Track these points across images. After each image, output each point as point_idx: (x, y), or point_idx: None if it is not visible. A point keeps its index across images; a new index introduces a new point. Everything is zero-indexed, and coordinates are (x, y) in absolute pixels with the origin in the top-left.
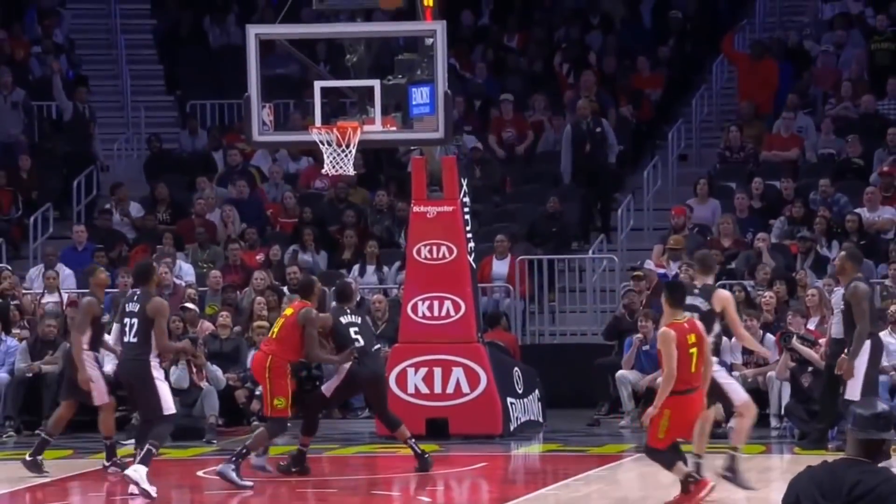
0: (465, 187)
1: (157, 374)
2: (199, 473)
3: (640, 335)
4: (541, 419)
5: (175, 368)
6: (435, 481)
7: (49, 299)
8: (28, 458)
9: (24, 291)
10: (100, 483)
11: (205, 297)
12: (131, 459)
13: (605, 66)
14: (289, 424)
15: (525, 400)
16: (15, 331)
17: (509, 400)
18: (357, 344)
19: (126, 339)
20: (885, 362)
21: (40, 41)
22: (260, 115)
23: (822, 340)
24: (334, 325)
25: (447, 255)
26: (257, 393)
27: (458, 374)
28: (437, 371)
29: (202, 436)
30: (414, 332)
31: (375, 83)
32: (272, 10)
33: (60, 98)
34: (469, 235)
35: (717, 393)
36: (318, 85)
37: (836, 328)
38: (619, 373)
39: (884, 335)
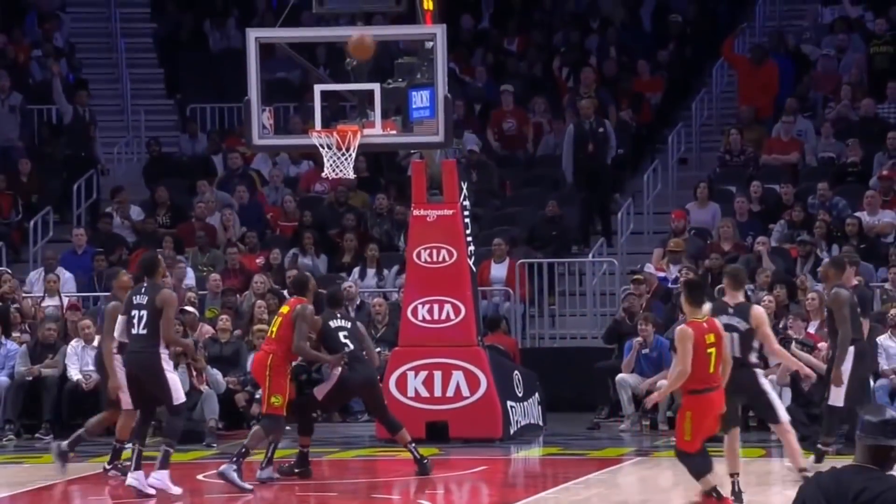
0: (465, 191)
1: (167, 365)
2: (200, 477)
3: (640, 339)
4: (541, 423)
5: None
6: (435, 485)
7: (49, 303)
8: (64, 445)
9: (24, 295)
10: (100, 486)
11: (205, 300)
12: (129, 463)
13: (605, 69)
14: (287, 427)
15: (525, 403)
16: (15, 334)
17: (509, 403)
18: (346, 349)
19: (134, 332)
20: (884, 365)
21: (41, 45)
22: (260, 119)
23: (821, 345)
24: (323, 329)
25: (447, 258)
26: (257, 396)
27: (458, 377)
28: (437, 374)
29: (202, 439)
30: (414, 335)
31: (375, 87)
32: (272, 14)
33: (60, 101)
34: (469, 239)
35: (761, 406)
36: (318, 88)
37: None
38: (619, 376)
39: (884, 338)
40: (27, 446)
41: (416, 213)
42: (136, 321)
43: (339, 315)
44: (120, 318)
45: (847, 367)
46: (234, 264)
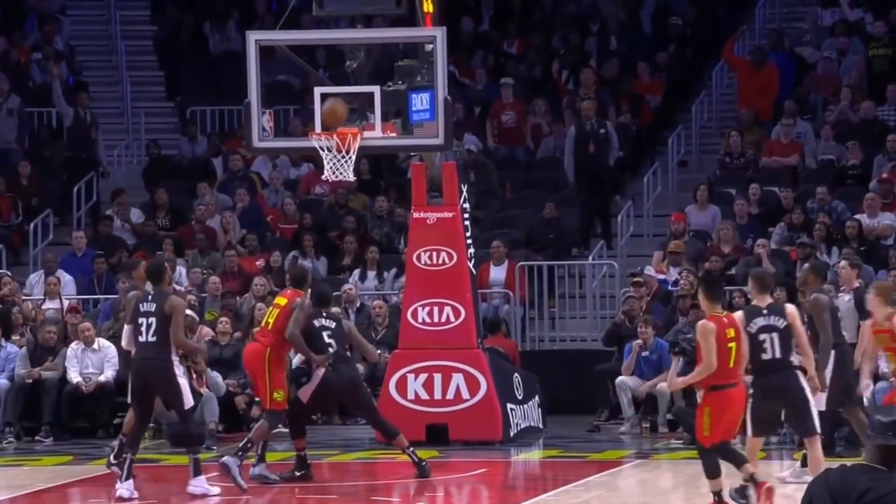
0: (465, 193)
1: (178, 370)
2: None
3: (639, 341)
4: (541, 425)
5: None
6: (435, 487)
7: (49, 305)
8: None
9: (24, 297)
10: (100, 489)
11: (204, 303)
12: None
13: (605, 71)
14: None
15: (525, 406)
16: (15, 337)
17: (509, 406)
18: (330, 349)
19: (143, 339)
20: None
21: (41, 48)
22: (260, 122)
23: None
24: (308, 327)
25: (447, 261)
26: (257, 399)
27: (458, 380)
28: (437, 377)
29: (202, 442)
30: (414, 338)
31: (375, 89)
32: (272, 17)
33: (60, 104)
34: (469, 241)
35: (801, 413)
36: (318, 91)
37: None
38: (619, 379)
39: None
40: (27, 449)
41: (416, 215)
42: (144, 329)
43: (325, 314)
44: (126, 328)
45: (828, 371)
46: (231, 267)
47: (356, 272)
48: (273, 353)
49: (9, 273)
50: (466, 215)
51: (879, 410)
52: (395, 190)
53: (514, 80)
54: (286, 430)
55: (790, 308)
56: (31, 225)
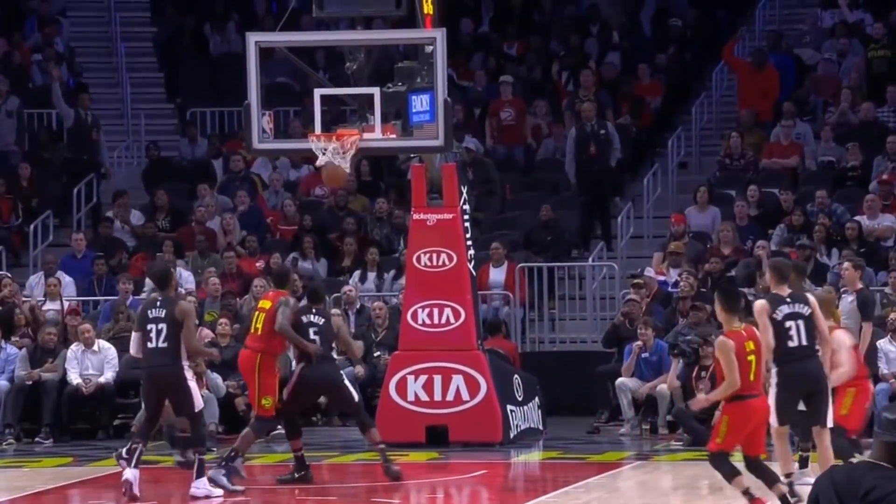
0: (465, 195)
1: (188, 374)
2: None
3: (639, 343)
4: (541, 427)
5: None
6: (435, 489)
7: (49, 307)
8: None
9: (24, 299)
10: (99, 491)
11: (204, 304)
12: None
13: (605, 73)
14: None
15: (525, 407)
16: (14, 338)
17: (509, 407)
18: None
19: (152, 346)
20: (884, 369)
21: (41, 49)
22: (260, 123)
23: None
24: (295, 322)
25: (447, 262)
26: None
27: (457, 381)
28: (437, 378)
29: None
30: (414, 339)
31: (375, 91)
32: (272, 18)
33: (60, 106)
34: (469, 243)
35: (819, 402)
36: (317, 93)
37: None
38: (619, 380)
39: (884, 342)
40: (27, 450)
41: (415, 216)
42: (153, 335)
43: (314, 311)
44: (134, 335)
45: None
46: (229, 269)
47: (356, 274)
48: (263, 359)
49: (9, 275)
50: (466, 217)
51: (888, 408)
52: (394, 191)
53: (514, 81)
54: (283, 432)
55: (811, 297)
56: (31, 226)
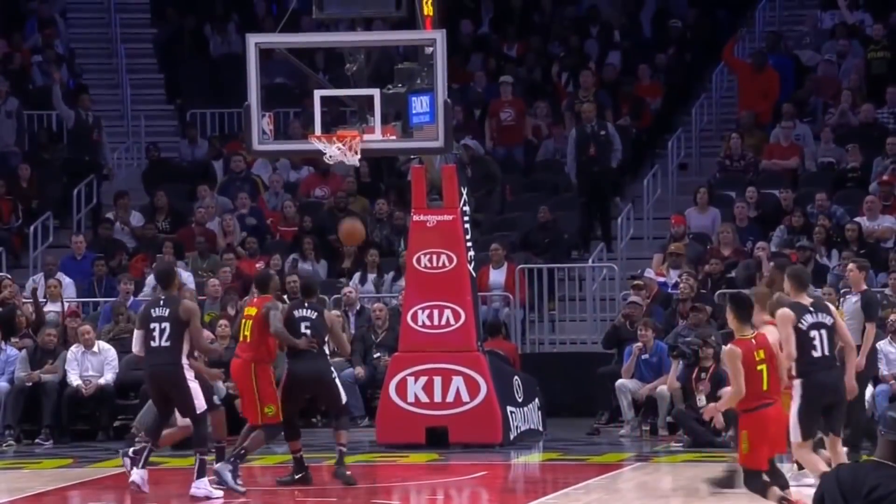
0: (465, 196)
1: (189, 374)
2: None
3: (639, 344)
4: (541, 428)
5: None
6: (435, 490)
7: (50, 308)
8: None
9: (23, 300)
10: (100, 492)
11: (204, 305)
12: (132, 456)
13: (605, 74)
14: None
15: (525, 409)
16: (14, 339)
17: (509, 409)
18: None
19: (155, 344)
20: (884, 370)
21: (41, 51)
22: (260, 124)
23: None
24: (288, 317)
25: (447, 263)
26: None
27: (457, 382)
28: (437, 380)
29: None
30: (414, 340)
31: (375, 92)
32: (272, 19)
33: (60, 107)
34: (469, 244)
35: (837, 409)
36: (317, 94)
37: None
38: (619, 381)
39: (884, 344)
40: (27, 452)
41: (415, 218)
42: (156, 334)
43: (306, 305)
44: (137, 333)
45: None
46: (230, 269)
47: (356, 275)
48: (258, 368)
49: (9, 276)
50: (466, 218)
51: (891, 407)
52: (394, 193)
53: (514, 82)
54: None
55: (832, 306)
56: (31, 228)
